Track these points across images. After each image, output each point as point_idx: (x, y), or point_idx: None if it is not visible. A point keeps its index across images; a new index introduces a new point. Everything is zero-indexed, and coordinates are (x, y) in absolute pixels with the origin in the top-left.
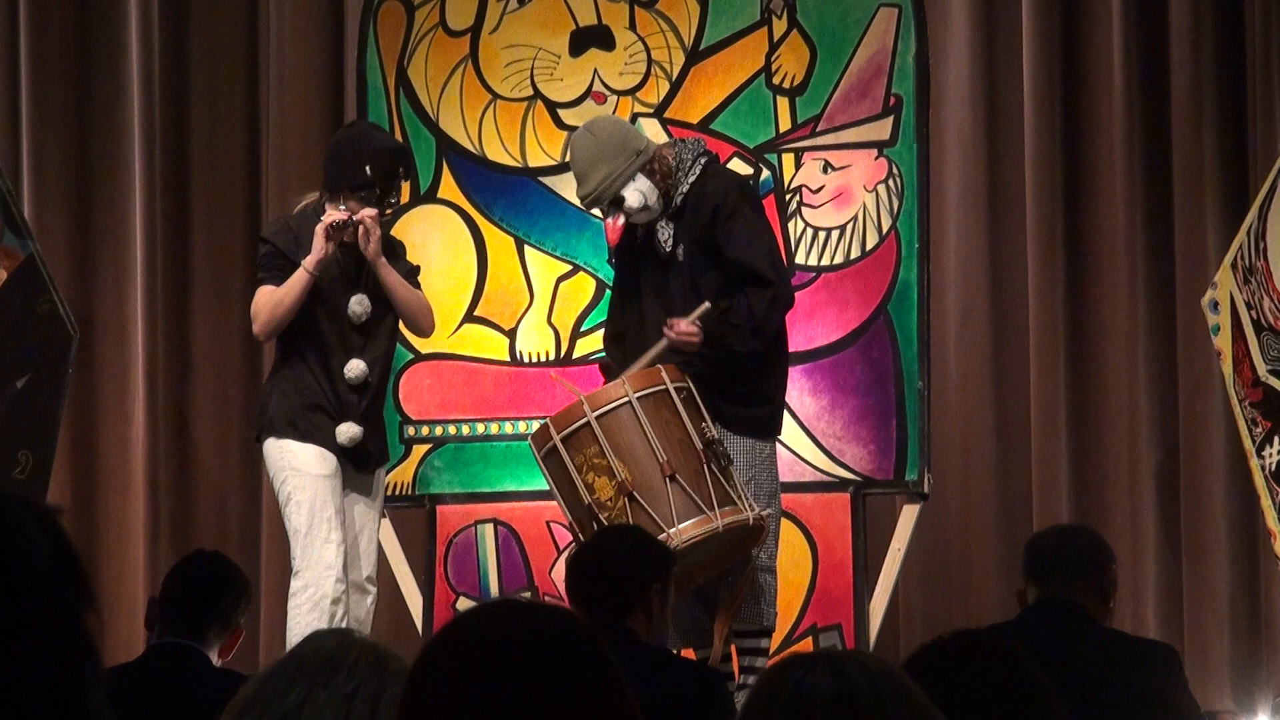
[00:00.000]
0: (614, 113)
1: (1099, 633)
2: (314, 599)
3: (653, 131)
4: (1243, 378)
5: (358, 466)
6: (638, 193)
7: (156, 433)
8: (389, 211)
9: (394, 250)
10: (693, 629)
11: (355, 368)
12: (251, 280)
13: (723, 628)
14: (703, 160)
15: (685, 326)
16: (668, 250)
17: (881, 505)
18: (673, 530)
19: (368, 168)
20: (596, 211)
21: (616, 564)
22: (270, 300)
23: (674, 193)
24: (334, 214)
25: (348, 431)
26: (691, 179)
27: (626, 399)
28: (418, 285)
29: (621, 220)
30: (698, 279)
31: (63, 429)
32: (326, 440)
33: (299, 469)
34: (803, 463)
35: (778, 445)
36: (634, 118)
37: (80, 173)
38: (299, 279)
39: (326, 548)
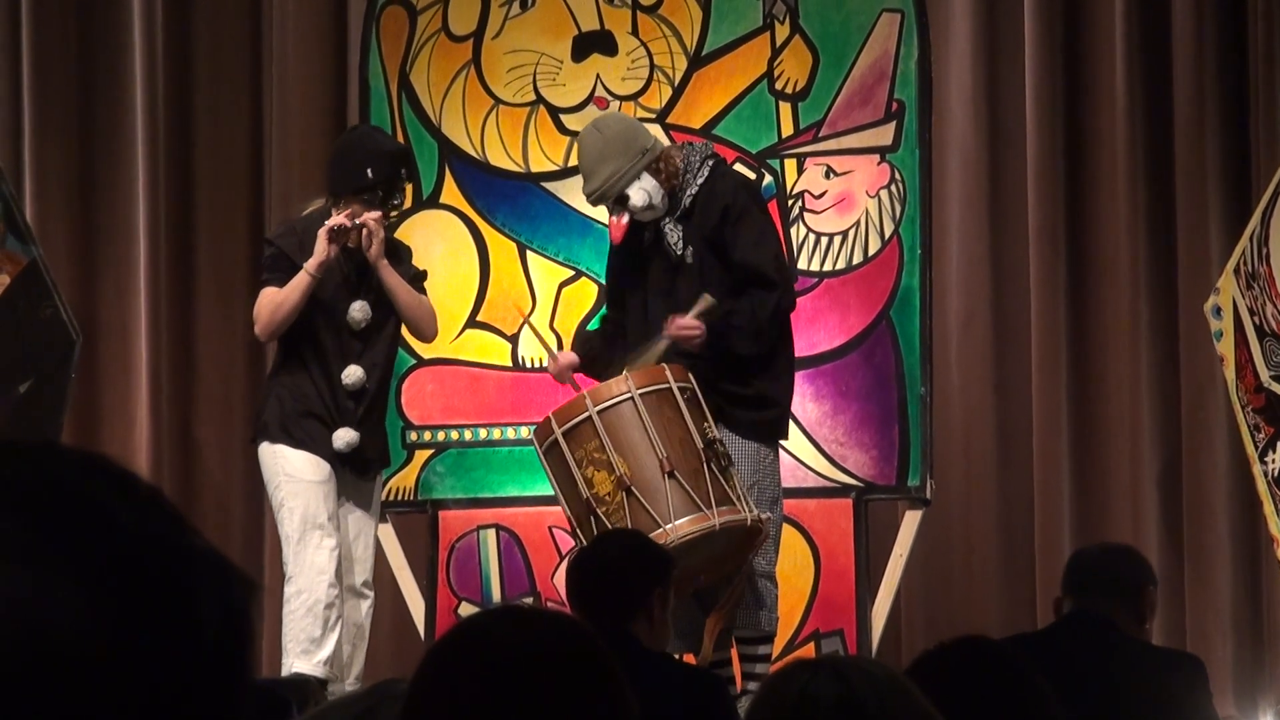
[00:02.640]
0: None
1: (1124, 643)
2: (307, 604)
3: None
4: (1245, 383)
5: (356, 472)
6: (642, 191)
7: (160, 437)
8: (393, 214)
9: (400, 255)
10: (691, 633)
11: (353, 374)
12: (255, 284)
13: (714, 627)
14: (710, 162)
15: (685, 321)
16: (679, 253)
17: (884, 511)
18: (669, 527)
19: (369, 171)
20: (602, 210)
21: (618, 569)
22: (272, 302)
23: (681, 194)
24: (337, 217)
25: (344, 437)
26: (700, 180)
27: (629, 394)
28: (423, 291)
29: (626, 218)
30: (707, 281)
31: (65, 433)
32: (320, 447)
33: (292, 475)
34: (805, 468)
35: (780, 450)
36: None
37: (83, 177)
38: (301, 281)
39: (319, 553)
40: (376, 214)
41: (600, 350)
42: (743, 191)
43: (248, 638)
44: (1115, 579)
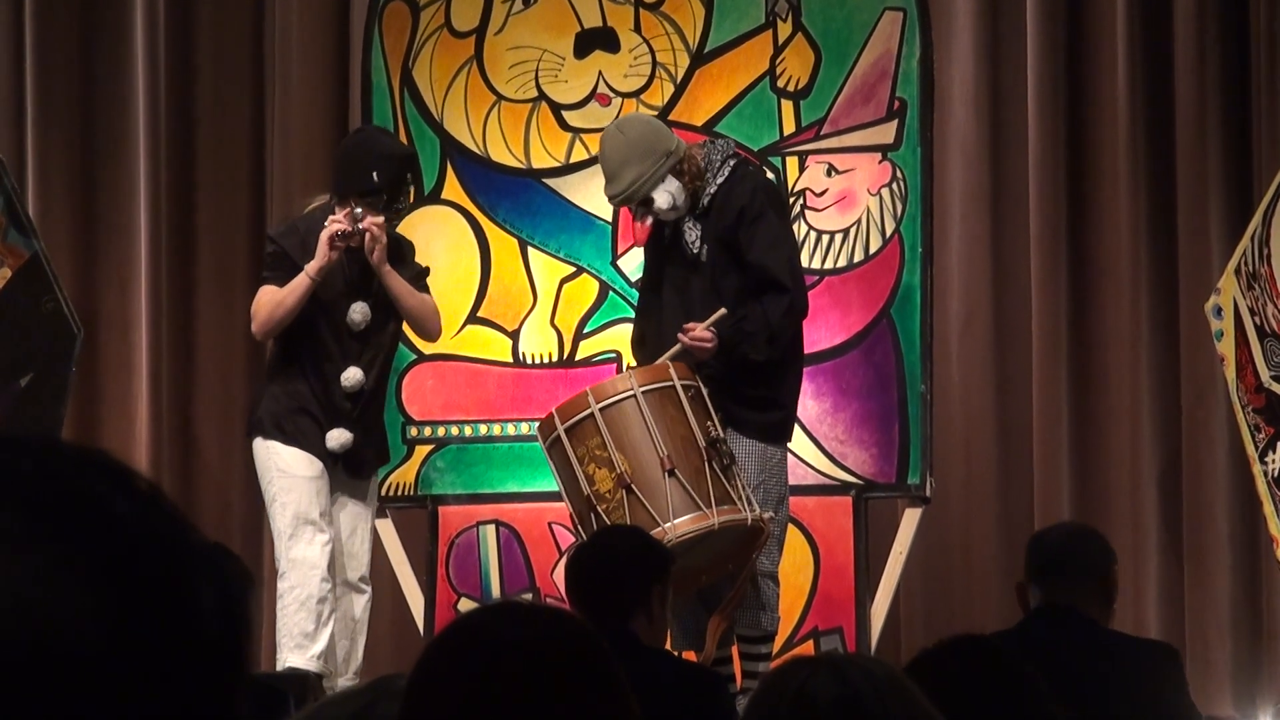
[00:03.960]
0: (618, 115)
1: (1101, 635)
2: (299, 599)
3: None
4: (1245, 383)
5: (351, 472)
6: (667, 194)
7: (160, 431)
8: (395, 221)
9: (402, 251)
10: (695, 631)
11: (352, 375)
12: (256, 278)
13: (717, 627)
14: (731, 162)
15: (700, 333)
16: (695, 251)
17: (883, 509)
18: (668, 525)
19: (375, 174)
20: (604, 206)
21: (618, 566)
22: (270, 301)
23: (701, 193)
24: (338, 223)
25: (338, 438)
26: (720, 180)
27: (631, 392)
28: (426, 288)
29: (650, 220)
30: (719, 280)
31: (66, 427)
32: (312, 445)
33: (284, 470)
34: (805, 466)
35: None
36: None
37: (85, 171)
38: (300, 284)
39: (310, 548)
40: (379, 219)
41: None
42: (760, 194)
43: (246, 631)
44: (1082, 564)
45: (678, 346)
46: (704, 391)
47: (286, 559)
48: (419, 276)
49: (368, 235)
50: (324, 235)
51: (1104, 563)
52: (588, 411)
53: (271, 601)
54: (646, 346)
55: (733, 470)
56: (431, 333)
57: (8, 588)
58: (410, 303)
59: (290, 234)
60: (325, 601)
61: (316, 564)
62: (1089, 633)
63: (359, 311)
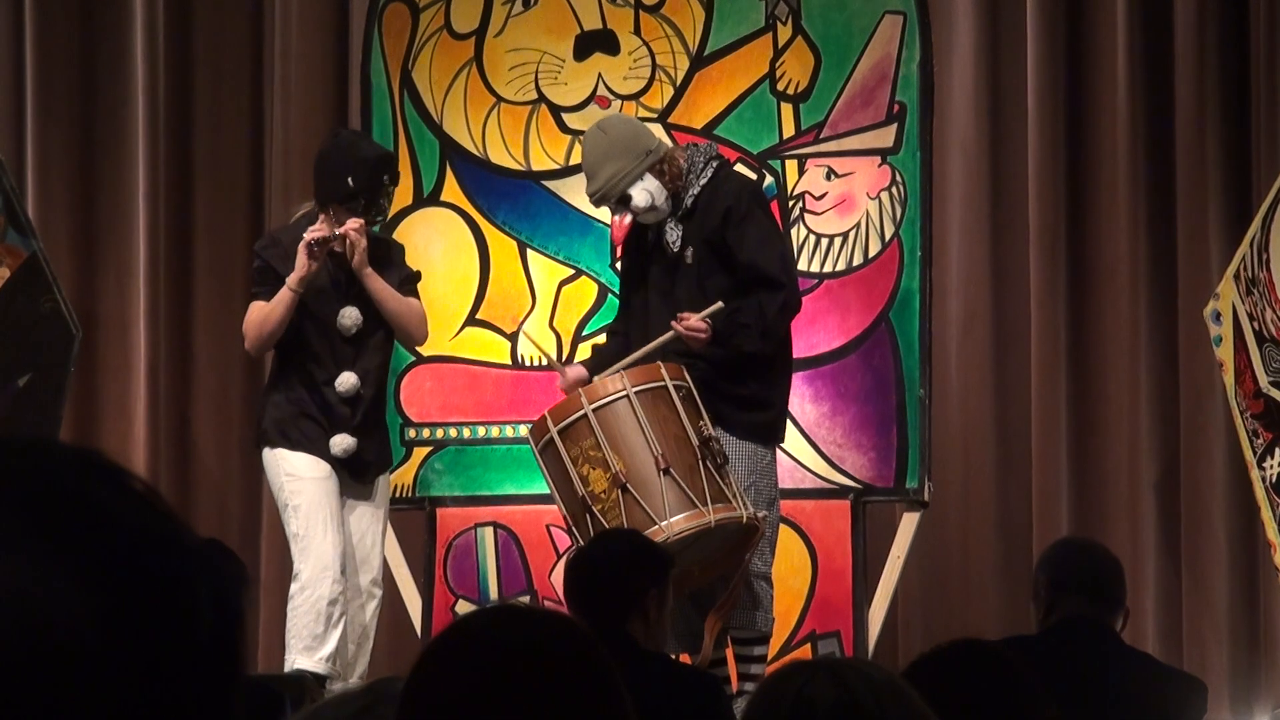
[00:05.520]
0: None
1: (1128, 655)
2: (310, 600)
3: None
4: (1244, 389)
5: (355, 476)
6: (645, 192)
7: (158, 432)
8: (377, 222)
9: (392, 256)
10: (688, 634)
11: (346, 380)
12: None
13: (713, 626)
14: (714, 164)
15: (695, 321)
16: (675, 250)
17: (881, 513)
18: (664, 524)
19: (350, 179)
20: (605, 211)
21: (615, 569)
22: (259, 317)
23: (684, 194)
24: (316, 231)
25: (341, 444)
26: (703, 182)
27: (624, 392)
28: (415, 293)
29: (628, 219)
30: (705, 281)
31: (64, 428)
32: (318, 448)
33: (294, 474)
34: (803, 469)
35: (778, 452)
36: None
37: (84, 171)
38: (284, 297)
39: (323, 549)
40: (358, 223)
41: (610, 359)
42: (746, 194)
43: (241, 630)
44: (1104, 582)
45: (669, 334)
46: (695, 392)
47: (299, 561)
48: (407, 280)
49: (347, 239)
50: (301, 245)
51: (1122, 581)
52: (581, 412)
53: (267, 602)
54: (631, 348)
55: (726, 469)
56: (414, 338)
57: (3, 587)
58: (392, 306)
59: (273, 246)
60: (336, 604)
61: (329, 565)
62: (1114, 650)
63: (349, 316)
